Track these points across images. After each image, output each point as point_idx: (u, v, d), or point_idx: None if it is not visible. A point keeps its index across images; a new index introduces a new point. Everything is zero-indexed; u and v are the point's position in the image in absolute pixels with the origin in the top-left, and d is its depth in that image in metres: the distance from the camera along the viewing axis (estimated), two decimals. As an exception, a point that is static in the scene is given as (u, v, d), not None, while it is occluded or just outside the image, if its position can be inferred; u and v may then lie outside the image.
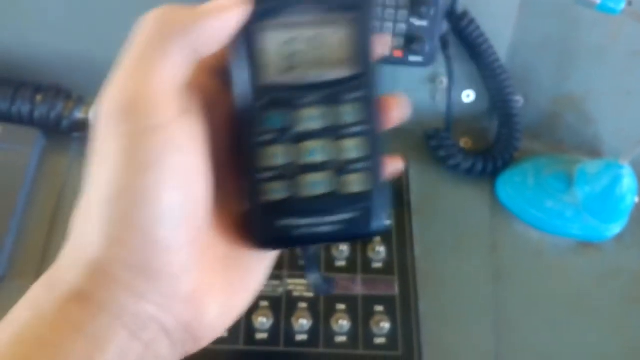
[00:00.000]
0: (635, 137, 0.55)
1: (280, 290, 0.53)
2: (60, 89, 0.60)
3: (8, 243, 0.54)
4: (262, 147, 0.29)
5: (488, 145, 0.66)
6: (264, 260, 0.31)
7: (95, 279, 0.25)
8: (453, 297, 0.55)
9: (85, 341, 0.24)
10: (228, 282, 0.29)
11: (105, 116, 0.26)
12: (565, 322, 0.56)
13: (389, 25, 0.58)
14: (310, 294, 0.53)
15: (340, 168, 0.29)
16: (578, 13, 0.58)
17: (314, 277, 0.33)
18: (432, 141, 0.63)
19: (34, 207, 0.56)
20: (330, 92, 0.28)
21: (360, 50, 0.28)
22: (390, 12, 0.58)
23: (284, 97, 0.29)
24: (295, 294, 0.53)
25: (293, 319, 0.51)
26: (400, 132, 0.65)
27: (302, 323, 0.51)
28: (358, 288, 0.54)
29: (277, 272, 0.54)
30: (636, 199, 0.58)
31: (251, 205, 0.29)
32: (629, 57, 0.63)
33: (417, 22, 0.59)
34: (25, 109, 0.59)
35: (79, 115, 0.59)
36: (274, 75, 0.29)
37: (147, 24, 0.27)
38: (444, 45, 0.61)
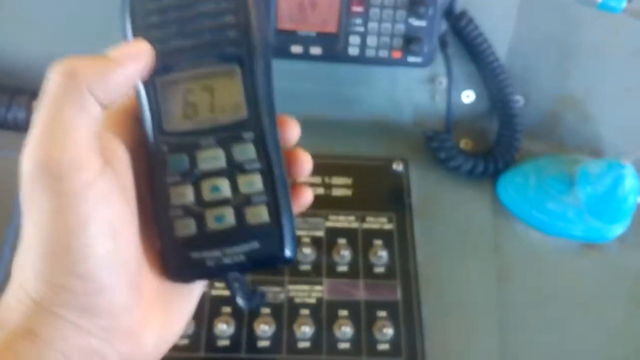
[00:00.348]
0: (636, 136, 0.55)
1: (282, 297, 0.52)
2: (56, 95, 0.59)
3: (6, 252, 0.53)
4: (170, 187, 0.32)
5: (488, 145, 0.65)
6: (195, 289, 0.34)
7: (41, 318, 0.27)
8: (456, 301, 0.55)
9: None
10: (164, 313, 0.32)
11: (30, 178, 0.26)
12: (569, 323, 0.56)
13: (387, 25, 0.58)
14: (313, 301, 0.52)
15: (241, 202, 0.32)
16: (578, 12, 0.58)
17: (242, 300, 0.35)
18: (432, 143, 0.62)
19: (30, 215, 0.56)
20: (224, 135, 0.32)
21: (249, 96, 0.32)
22: (388, 12, 0.57)
23: (185, 142, 0.32)
24: (297, 300, 0.52)
25: (295, 326, 0.51)
26: (401, 133, 0.65)
27: (305, 330, 0.50)
28: (360, 293, 0.53)
29: (279, 278, 0.53)
30: (639, 199, 0.57)
31: (165, 242, 0.32)
32: (629, 55, 0.62)
33: (416, 23, 0.58)
34: (21, 115, 0.58)
35: (75, 121, 0.58)
36: (175, 122, 0.32)
37: (56, 79, 0.27)
38: (443, 45, 0.61)
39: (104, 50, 0.62)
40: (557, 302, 0.57)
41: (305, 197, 0.34)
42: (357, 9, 0.57)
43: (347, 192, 0.60)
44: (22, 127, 0.58)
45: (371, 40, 0.58)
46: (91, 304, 0.27)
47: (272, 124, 0.32)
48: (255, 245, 0.32)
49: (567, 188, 0.59)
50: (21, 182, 0.27)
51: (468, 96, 0.65)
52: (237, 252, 0.31)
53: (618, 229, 0.59)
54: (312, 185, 0.60)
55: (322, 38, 0.58)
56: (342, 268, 0.54)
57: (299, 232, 0.56)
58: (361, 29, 0.58)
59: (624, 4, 0.46)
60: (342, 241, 0.56)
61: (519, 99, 0.64)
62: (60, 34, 0.61)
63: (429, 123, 0.65)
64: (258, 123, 0.32)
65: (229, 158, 0.32)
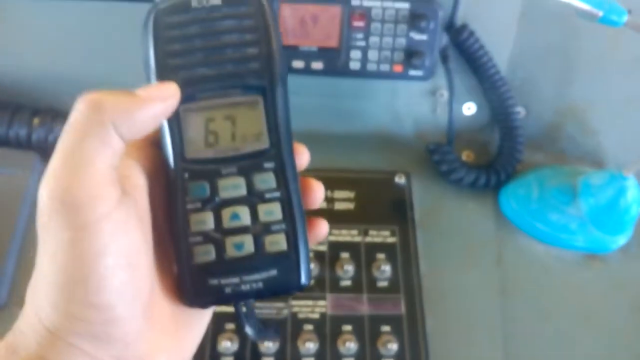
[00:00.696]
0: (637, 147, 0.55)
1: (285, 312, 0.52)
2: (58, 112, 0.59)
3: (9, 270, 0.53)
4: (190, 214, 0.32)
5: (490, 157, 0.65)
6: (206, 313, 0.34)
7: (55, 346, 0.27)
8: (460, 313, 0.55)
9: None
10: (175, 338, 0.32)
11: (47, 208, 0.26)
12: (573, 334, 0.56)
13: (389, 40, 0.58)
14: (316, 316, 0.52)
15: (261, 231, 0.32)
16: (578, 23, 0.57)
17: (252, 331, 0.35)
18: (434, 155, 0.62)
19: (33, 233, 0.55)
20: (245, 164, 0.32)
21: (270, 126, 0.32)
22: (389, 27, 0.58)
23: (206, 170, 0.32)
24: (301, 315, 0.52)
25: (299, 342, 0.51)
26: (402, 146, 0.65)
27: (309, 346, 0.50)
28: (364, 308, 0.53)
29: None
30: (640, 209, 0.57)
31: (183, 268, 0.32)
32: (630, 66, 0.62)
33: (417, 37, 0.58)
34: (22, 132, 0.58)
35: (77, 137, 0.58)
36: (197, 150, 0.32)
37: (82, 110, 0.27)
38: (444, 58, 0.61)
39: (105, 65, 0.63)
40: (561, 313, 0.57)
41: (322, 230, 0.34)
42: (359, 23, 0.57)
43: (349, 206, 0.60)
44: (23, 145, 0.58)
45: (372, 55, 0.59)
46: (106, 334, 0.27)
47: (291, 154, 0.33)
48: (273, 273, 0.32)
49: (570, 199, 0.59)
50: (38, 211, 0.27)
51: (469, 108, 0.65)
52: (255, 280, 0.32)
53: (620, 240, 0.59)
54: (315, 199, 0.60)
55: (324, 53, 0.58)
56: (346, 282, 0.54)
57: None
58: (362, 43, 0.58)
59: (625, 18, 0.46)
60: (345, 255, 0.56)
61: (520, 111, 0.64)
62: (61, 53, 0.61)
63: (430, 135, 0.65)
64: (278, 153, 0.32)
65: (250, 186, 0.32)
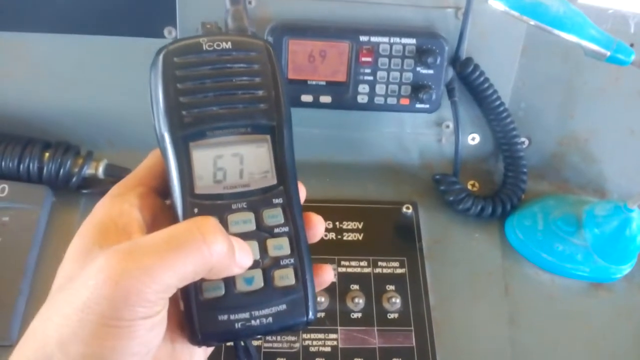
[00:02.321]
0: (638, 175, 0.55)
1: (297, 345, 0.53)
2: (69, 146, 0.60)
3: (20, 306, 0.53)
4: None
5: (495, 187, 0.66)
6: (198, 356, 0.34)
7: None
8: (470, 345, 0.55)
9: None
10: None
11: (103, 293, 0.26)
12: (580, 364, 0.56)
13: (396, 74, 0.59)
14: (328, 349, 0.53)
15: (270, 265, 0.33)
16: (580, 55, 0.59)
17: None
18: (440, 185, 0.63)
19: (45, 267, 0.56)
20: (254, 200, 0.33)
21: (277, 164, 0.34)
22: (396, 62, 0.59)
23: (216, 205, 0.33)
24: (312, 349, 0.53)
25: (312, 376, 0.51)
26: (409, 176, 0.66)
27: (322, 380, 0.50)
28: (375, 341, 0.53)
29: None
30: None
31: (191, 304, 0.31)
32: (632, 97, 0.64)
33: (424, 71, 0.59)
34: (33, 166, 0.58)
35: (88, 171, 0.59)
36: (205, 186, 0.33)
37: (194, 232, 0.28)
38: (450, 91, 0.62)
39: (116, 99, 0.62)
40: (568, 341, 0.57)
41: (328, 275, 0.35)
42: (366, 59, 0.58)
43: (357, 237, 0.60)
44: (34, 179, 0.59)
45: (380, 89, 0.59)
46: None
47: (296, 190, 0.34)
48: (282, 307, 0.32)
49: (574, 230, 0.60)
50: (90, 280, 0.27)
51: (473, 139, 0.66)
52: (265, 314, 0.32)
53: (625, 269, 0.60)
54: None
55: (332, 87, 0.59)
56: (356, 315, 0.55)
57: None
58: (370, 77, 0.59)
59: (632, 57, 0.47)
60: (355, 287, 0.56)
61: (524, 141, 0.65)
62: (74, 87, 0.62)
63: (435, 165, 0.66)
64: (286, 189, 0.33)
65: (259, 222, 0.33)
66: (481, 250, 0.62)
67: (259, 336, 0.34)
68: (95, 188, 0.60)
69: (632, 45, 0.59)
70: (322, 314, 0.55)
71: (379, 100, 0.60)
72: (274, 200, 0.33)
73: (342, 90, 0.60)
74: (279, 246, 0.33)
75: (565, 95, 0.65)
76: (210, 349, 0.35)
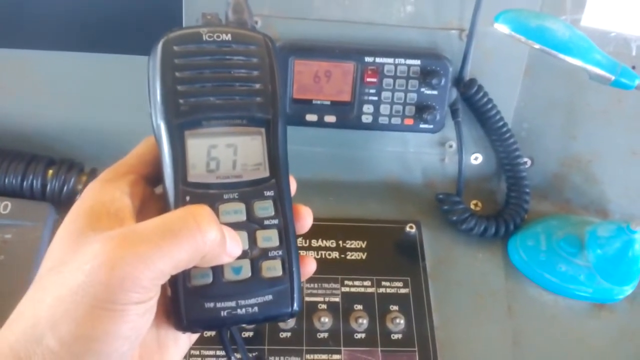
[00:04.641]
0: (641, 197, 0.56)
1: (301, 366, 0.53)
2: (73, 163, 0.60)
3: (22, 324, 0.53)
4: None
5: (497, 206, 0.66)
6: (178, 351, 0.34)
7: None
8: (473, 366, 0.55)
9: None
10: (160, 356, 0.32)
11: (98, 277, 0.27)
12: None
13: (400, 95, 0.59)
14: (332, 370, 0.52)
15: (258, 256, 0.33)
16: (583, 77, 0.60)
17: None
18: (443, 205, 0.63)
19: (47, 285, 0.55)
20: (246, 191, 0.33)
21: (271, 157, 0.34)
22: (401, 82, 0.59)
23: (208, 194, 0.33)
24: (316, 369, 0.53)
25: (316, 398, 0.51)
26: (412, 195, 0.66)
27: (326, 402, 0.50)
28: (379, 362, 0.53)
29: (297, 348, 0.53)
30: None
31: (179, 291, 0.32)
32: (634, 119, 0.64)
33: (428, 92, 0.60)
34: (37, 183, 0.58)
35: (91, 189, 0.59)
36: (198, 175, 0.33)
37: (188, 220, 0.28)
38: (454, 112, 0.62)
39: (120, 116, 0.62)
40: (572, 362, 0.57)
41: (310, 267, 0.36)
42: (371, 79, 0.59)
43: (361, 256, 0.60)
44: (37, 196, 0.59)
45: (384, 109, 0.60)
46: None
47: (287, 184, 0.34)
48: (268, 298, 0.33)
49: (577, 251, 0.60)
50: (85, 264, 0.27)
51: (476, 158, 0.66)
52: (251, 304, 0.32)
53: (627, 290, 0.60)
54: (327, 249, 0.60)
55: (337, 107, 0.60)
56: (360, 336, 0.55)
57: (314, 299, 0.56)
58: (375, 98, 0.59)
59: (637, 82, 0.47)
60: (358, 307, 0.56)
61: (526, 161, 0.66)
62: (78, 104, 0.62)
63: (438, 185, 0.67)
64: (278, 182, 0.34)
65: (250, 213, 0.33)
66: (484, 270, 0.62)
67: (243, 325, 0.33)
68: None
69: (633, 67, 0.59)
70: (326, 334, 0.54)
71: (383, 120, 0.60)
72: (265, 192, 0.34)
73: (347, 110, 0.60)
74: (268, 238, 0.33)
75: (567, 117, 0.65)
76: (195, 336, 0.35)
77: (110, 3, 0.59)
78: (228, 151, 0.34)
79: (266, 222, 0.33)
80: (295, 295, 0.33)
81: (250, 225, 0.33)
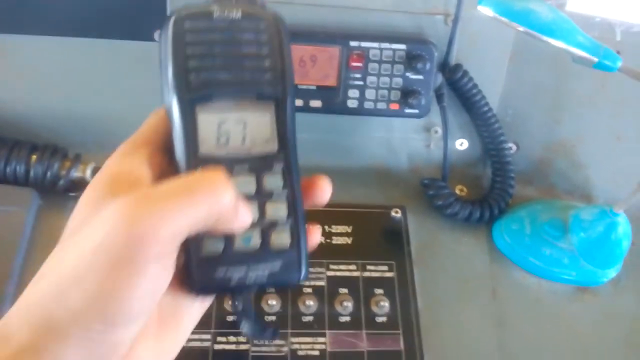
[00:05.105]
0: (625, 181, 0.56)
1: (285, 349, 0.53)
2: (57, 148, 0.59)
3: (5, 309, 0.52)
4: None
5: (483, 191, 0.67)
6: (193, 313, 0.35)
7: (47, 337, 0.28)
8: (457, 348, 0.56)
9: None
10: (160, 338, 0.33)
11: (115, 231, 0.27)
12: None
13: (386, 79, 0.59)
14: (316, 353, 0.53)
15: (267, 227, 0.34)
16: (567, 62, 0.60)
17: (247, 325, 0.37)
18: (429, 190, 0.63)
19: (31, 270, 0.55)
20: (256, 164, 0.34)
21: (280, 132, 0.35)
22: (386, 67, 0.59)
23: (219, 167, 0.33)
24: (300, 353, 0.53)
25: (301, 380, 0.51)
26: (398, 180, 0.67)
27: (310, 384, 0.50)
28: (363, 344, 0.54)
29: (282, 331, 0.53)
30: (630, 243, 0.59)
31: (192, 259, 0.33)
32: (618, 104, 0.65)
33: (413, 76, 0.60)
34: (20, 169, 0.58)
35: (75, 174, 0.59)
36: (209, 148, 0.34)
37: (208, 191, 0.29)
38: (439, 97, 0.62)
39: (105, 102, 0.62)
40: (555, 345, 0.58)
41: (316, 237, 0.36)
42: (357, 64, 0.59)
43: (347, 240, 0.60)
44: (21, 181, 0.58)
45: (370, 94, 0.60)
46: (101, 340, 0.28)
47: (296, 157, 0.35)
48: (276, 266, 0.34)
49: (561, 234, 0.60)
50: (106, 223, 0.28)
51: (462, 144, 0.67)
52: (260, 272, 0.33)
53: (611, 273, 0.61)
54: (312, 234, 0.60)
55: (322, 91, 0.60)
56: (345, 319, 0.55)
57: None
58: (360, 82, 0.59)
59: (619, 64, 0.47)
60: (343, 290, 0.56)
61: (511, 146, 0.66)
62: (61, 90, 0.61)
63: (424, 170, 0.67)
64: (286, 156, 0.35)
65: (259, 185, 0.34)
66: (469, 254, 0.62)
67: (252, 290, 0.35)
68: (83, 191, 0.59)
69: (618, 52, 0.59)
70: (311, 318, 0.55)
71: (368, 105, 0.60)
72: (275, 165, 0.34)
73: (332, 95, 0.60)
74: (277, 209, 0.34)
75: (552, 102, 0.65)
76: (209, 302, 0.36)
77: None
78: (238, 126, 0.35)
79: (275, 194, 0.34)
80: (303, 264, 0.34)
81: (260, 197, 0.34)
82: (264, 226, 0.34)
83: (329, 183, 0.36)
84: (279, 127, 0.35)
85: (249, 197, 0.34)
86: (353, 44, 0.58)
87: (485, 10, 0.47)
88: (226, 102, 0.34)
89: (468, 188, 0.67)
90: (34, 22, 0.59)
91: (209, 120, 0.34)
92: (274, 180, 0.34)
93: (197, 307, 0.35)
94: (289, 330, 0.54)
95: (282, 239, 0.34)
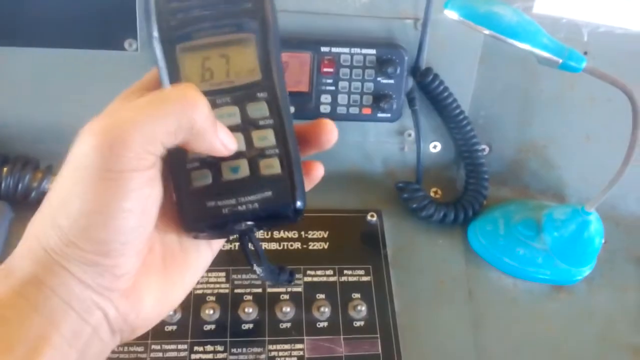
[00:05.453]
0: (597, 181, 0.57)
1: (263, 357, 0.53)
2: (28, 159, 0.59)
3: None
4: None
5: (457, 193, 0.67)
6: (200, 258, 0.35)
7: (49, 268, 0.29)
8: (435, 350, 0.56)
9: (40, 318, 0.29)
10: (165, 278, 0.33)
11: (94, 146, 0.28)
12: (544, 366, 0.57)
13: (357, 84, 0.60)
14: (294, 359, 0.53)
15: (255, 155, 0.34)
16: (536, 64, 0.61)
17: (260, 270, 0.36)
18: (403, 193, 0.64)
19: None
20: (239, 94, 0.34)
21: (262, 61, 0.35)
22: (357, 72, 0.59)
23: None
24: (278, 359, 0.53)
25: (278, 386, 0.51)
26: (373, 184, 0.67)
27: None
28: (341, 350, 0.54)
29: (259, 338, 0.53)
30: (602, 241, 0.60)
31: (182, 193, 0.33)
32: (587, 104, 0.66)
33: (384, 81, 0.60)
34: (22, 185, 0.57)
35: (48, 185, 0.58)
36: (194, 83, 0.33)
37: (173, 99, 0.29)
38: (410, 100, 0.63)
39: (74, 117, 0.62)
40: (531, 343, 0.58)
41: (318, 171, 0.36)
42: (328, 69, 0.59)
43: (323, 246, 0.60)
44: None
45: (342, 99, 0.60)
46: (97, 264, 0.29)
47: (283, 86, 0.35)
48: (268, 194, 0.33)
49: (535, 234, 0.61)
50: (79, 143, 0.28)
51: (435, 146, 0.67)
52: (251, 201, 0.33)
53: (585, 271, 0.62)
54: (289, 240, 0.60)
55: (295, 97, 0.60)
56: (323, 324, 0.55)
57: (277, 290, 0.56)
58: (332, 88, 0.60)
59: (583, 64, 0.48)
60: (321, 296, 0.57)
61: (484, 148, 0.67)
62: (32, 99, 0.61)
63: (399, 173, 0.67)
64: (270, 84, 0.34)
65: (244, 115, 0.34)
66: (445, 256, 0.63)
67: (249, 222, 0.34)
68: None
69: (585, 53, 0.61)
70: (288, 325, 0.54)
71: (341, 110, 0.61)
72: (258, 94, 0.34)
73: (305, 100, 0.60)
74: (264, 137, 0.34)
75: (523, 103, 0.66)
76: (218, 246, 0.36)
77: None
78: (221, 61, 0.34)
79: (261, 123, 0.34)
80: (298, 192, 0.33)
81: (246, 127, 0.34)
82: (252, 155, 0.33)
83: (334, 125, 0.36)
84: (261, 57, 0.34)
85: (233, 128, 0.33)
86: (324, 49, 0.58)
87: (451, 14, 0.48)
88: (207, 38, 0.34)
89: (442, 190, 0.68)
90: (3, 32, 0.59)
91: (190, 58, 0.34)
92: (258, 109, 0.34)
93: (203, 251, 0.35)
94: (267, 338, 0.54)
95: (271, 166, 0.33)
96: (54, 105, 0.61)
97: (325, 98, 0.60)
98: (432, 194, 0.67)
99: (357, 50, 0.59)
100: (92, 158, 0.28)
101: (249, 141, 0.34)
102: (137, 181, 0.29)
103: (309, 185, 0.36)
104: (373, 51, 0.59)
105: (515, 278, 0.62)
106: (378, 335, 0.55)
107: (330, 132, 0.36)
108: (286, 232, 0.61)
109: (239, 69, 0.34)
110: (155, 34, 0.33)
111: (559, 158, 0.68)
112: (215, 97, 0.34)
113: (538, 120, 0.67)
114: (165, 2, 0.34)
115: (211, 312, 0.54)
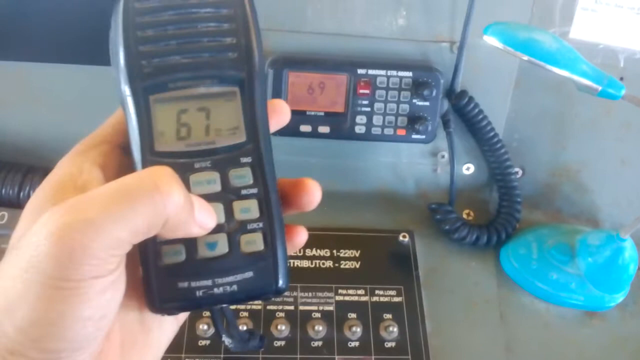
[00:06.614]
0: (630, 205, 0.57)
1: (295, 374, 0.53)
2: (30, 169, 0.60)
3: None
4: None
5: (489, 216, 0.67)
6: (162, 336, 0.32)
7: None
8: (466, 374, 0.56)
9: None
10: (126, 355, 0.29)
11: (49, 248, 0.24)
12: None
13: (393, 106, 0.60)
14: (326, 379, 0.53)
15: (236, 229, 0.30)
16: (572, 88, 0.61)
17: (230, 341, 0.34)
18: (436, 215, 0.64)
19: None
20: (220, 158, 0.30)
21: (247, 120, 0.30)
22: (393, 94, 0.60)
23: (177, 163, 0.29)
24: (311, 378, 0.53)
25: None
26: (405, 205, 0.67)
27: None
28: (373, 370, 0.54)
29: (291, 356, 0.54)
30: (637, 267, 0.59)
31: (150, 270, 0.29)
32: (622, 128, 0.65)
33: (420, 103, 0.61)
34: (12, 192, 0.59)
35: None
36: (167, 143, 0.30)
37: (147, 188, 0.25)
38: (445, 123, 0.63)
39: (74, 129, 0.62)
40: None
41: (301, 237, 0.32)
42: (364, 90, 0.60)
43: (355, 265, 0.61)
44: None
45: (377, 120, 0.61)
46: (56, 356, 0.25)
47: (269, 150, 0.31)
48: (248, 274, 0.30)
49: (568, 259, 0.61)
50: (36, 237, 0.24)
51: (468, 168, 0.67)
52: (229, 282, 0.29)
53: (618, 298, 0.61)
54: (321, 258, 0.61)
55: (330, 118, 0.61)
56: (354, 344, 0.55)
57: (309, 308, 0.57)
58: (367, 109, 0.60)
59: (623, 92, 0.48)
60: (352, 315, 0.57)
61: (517, 171, 0.67)
62: (73, 114, 0.62)
63: (431, 195, 0.67)
64: (256, 147, 0.30)
65: (225, 182, 0.30)
66: (477, 278, 0.62)
67: (225, 305, 0.31)
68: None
69: (621, 78, 0.61)
70: (320, 343, 0.55)
71: (376, 130, 0.61)
72: (242, 159, 0.30)
73: (340, 121, 0.61)
74: (246, 209, 0.30)
75: (557, 127, 0.66)
76: (182, 319, 0.33)
77: (65, 15, 0.59)
78: (200, 115, 0.30)
79: (243, 192, 0.30)
80: (281, 271, 0.30)
81: (226, 196, 0.30)
82: (232, 229, 0.30)
83: (318, 186, 0.32)
84: (246, 113, 0.30)
85: (213, 197, 0.29)
86: (360, 71, 0.59)
87: (491, 40, 0.48)
88: (184, 90, 0.30)
89: (475, 212, 0.68)
90: (10, 48, 0.60)
91: (165, 111, 0.30)
92: (241, 176, 0.30)
93: (167, 326, 0.32)
94: (298, 356, 0.54)
95: (253, 242, 0.30)
96: (48, 119, 0.62)
97: (361, 119, 0.61)
98: (464, 216, 0.67)
99: (394, 72, 0.60)
100: (47, 264, 0.24)
101: (229, 213, 0.30)
102: (99, 287, 0.25)
103: (291, 251, 0.32)
104: (409, 74, 0.60)
105: (548, 303, 0.61)
106: (409, 357, 0.55)
107: (313, 194, 0.32)
108: (318, 250, 0.61)
109: (220, 127, 0.30)
110: (124, 79, 0.29)
111: (592, 182, 0.68)
112: (194, 159, 0.30)
113: (572, 145, 0.67)
114: (138, 44, 0.29)
115: (244, 328, 0.54)
